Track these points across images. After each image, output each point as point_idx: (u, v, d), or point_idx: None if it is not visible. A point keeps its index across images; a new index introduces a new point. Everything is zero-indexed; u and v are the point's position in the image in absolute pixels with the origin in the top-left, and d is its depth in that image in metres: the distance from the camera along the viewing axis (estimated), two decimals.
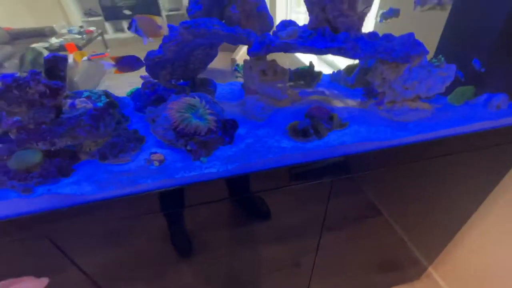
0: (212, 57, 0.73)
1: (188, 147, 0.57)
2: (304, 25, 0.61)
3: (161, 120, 0.59)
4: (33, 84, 0.46)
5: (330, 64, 2.46)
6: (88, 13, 6.40)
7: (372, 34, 0.55)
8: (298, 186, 0.63)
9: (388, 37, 0.55)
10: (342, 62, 2.05)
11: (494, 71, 0.66)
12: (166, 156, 0.58)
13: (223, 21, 0.60)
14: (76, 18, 6.17)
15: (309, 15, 0.55)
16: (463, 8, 0.68)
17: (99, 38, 5.06)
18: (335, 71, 0.81)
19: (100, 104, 0.54)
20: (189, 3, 0.59)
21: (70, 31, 4.49)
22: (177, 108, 0.55)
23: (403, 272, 1.27)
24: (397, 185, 0.78)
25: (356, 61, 0.80)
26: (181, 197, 0.57)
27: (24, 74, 0.47)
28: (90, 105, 0.53)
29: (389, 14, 0.73)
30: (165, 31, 0.58)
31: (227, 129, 0.61)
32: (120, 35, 6.55)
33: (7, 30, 4.61)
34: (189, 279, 0.83)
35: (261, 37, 0.57)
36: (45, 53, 3.05)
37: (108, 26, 6.51)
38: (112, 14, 6.33)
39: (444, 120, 0.64)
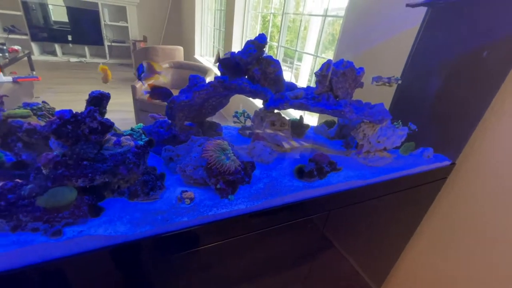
0: (223, 105, 0.82)
1: (218, 186, 0.62)
2: (307, 88, 0.78)
3: (190, 160, 0.63)
4: (89, 120, 0.46)
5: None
6: (8, 29, 5.64)
7: (359, 102, 0.75)
8: (303, 219, 0.74)
9: (368, 104, 0.76)
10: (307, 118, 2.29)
11: (425, 131, 0.95)
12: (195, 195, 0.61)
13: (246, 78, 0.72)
14: None
15: (316, 83, 0.72)
16: (405, 86, 0.98)
17: (25, 58, 4.45)
18: (319, 125, 1.01)
19: (141, 142, 0.56)
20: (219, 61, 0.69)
21: None
22: (212, 149, 0.61)
23: None
24: (359, 219, 0.96)
25: (331, 118, 1.01)
26: (213, 233, 0.59)
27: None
28: (132, 143, 0.54)
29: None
30: (162, 77, 0.64)
31: (247, 170, 0.69)
32: (48, 58, 5.90)
33: None
34: None
35: (279, 95, 0.71)
36: None
37: (34, 46, 5.83)
38: (40, 36, 5.73)
39: (399, 165, 0.88)
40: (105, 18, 6.03)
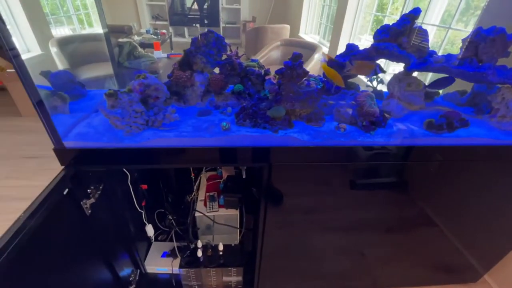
0: None
1: (364, 123, 0.86)
2: (448, 55, 0.90)
3: (344, 104, 0.89)
4: (299, 68, 0.77)
5: None
6: (155, 17, 7.16)
7: (504, 66, 0.82)
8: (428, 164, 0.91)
9: None
10: None
11: None
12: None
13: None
14: (146, 21, 6.91)
15: (461, 49, 0.84)
16: None
17: (168, 40, 5.67)
18: (449, 92, 1.09)
19: (319, 86, 0.85)
20: (377, 32, 0.90)
21: (148, 31, 5.11)
22: (365, 96, 0.85)
23: (460, 274, 1.45)
24: (483, 182, 1.01)
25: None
26: (356, 153, 0.85)
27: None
28: (315, 86, 0.84)
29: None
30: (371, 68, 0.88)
31: (385, 117, 0.90)
32: (179, 39, 7.26)
33: None
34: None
35: (421, 60, 0.87)
36: (138, 47, 3.58)
37: (171, 30, 7.23)
38: (176, 21, 7.06)
39: None
40: (223, 1, 6.87)
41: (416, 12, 0.83)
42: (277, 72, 0.80)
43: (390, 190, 1.02)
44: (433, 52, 0.94)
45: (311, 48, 3.55)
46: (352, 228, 1.14)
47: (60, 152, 0.76)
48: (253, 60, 0.94)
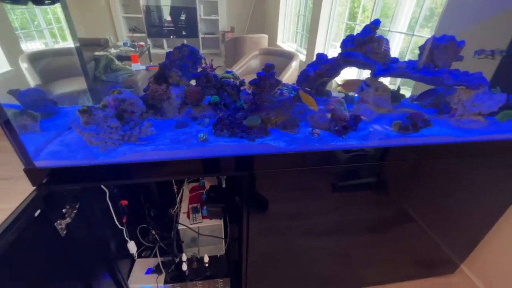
0: (336, 75, 1.09)
1: (336, 128, 0.90)
2: (409, 61, 0.97)
3: (318, 111, 0.93)
4: (271, 79, 0.81)
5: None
6: (132, 29, 7.08)
7: (456, 70, 0.90)
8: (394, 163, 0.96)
9: (466, 72, 0.90)
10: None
11: None
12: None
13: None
14: (123, 33, 6.82)
15: (419, 55, 0.91)
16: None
17: (146, 52, 5.62)
18: (413, 95, 1.17)
19: (292, 95, 0.89)
20: (343, 41, 0.96)
21: (125, 44, 5.05)
22: (336, 102, 0.89)
23: (438, 266, 1.52)
24: (444, 180, 1.08)
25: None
26: (332, 157, 0.89)
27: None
28: (287, 94, 0.88)
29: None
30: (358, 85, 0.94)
31: (356, 120, 0.95)
32: (159, 51, 7.20)
33: None
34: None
35: (385, 66, 0.93)
36: (115, 60, 3.52)
37: (150, 42, 7.16)
38: (154, 32, 7.02)
39: (494, 130, 0.98)
40: (201, 13, 6.93)
41: (376, 23, 0.89)
42: (250, 82, 0.83)
43: (369, 190, 1.06)
44: (396, 59, 1.01)
45: (289, 57, 3.66)
46: (336, 231, 1.17)
47: (31, 172, 0.74)
48: (228, 72, 0.96)
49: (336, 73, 1.04)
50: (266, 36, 4.91)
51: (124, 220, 1.25)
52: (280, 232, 1.11)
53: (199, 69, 0.97)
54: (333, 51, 3.42)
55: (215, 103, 0.92)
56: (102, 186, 1.03)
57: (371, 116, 1.02)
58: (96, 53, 4.32)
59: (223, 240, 1.31)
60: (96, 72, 3.29)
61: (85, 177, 0.79)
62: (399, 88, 1.13)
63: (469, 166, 1.06)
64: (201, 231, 1.25)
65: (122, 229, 1.23)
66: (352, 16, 3.21)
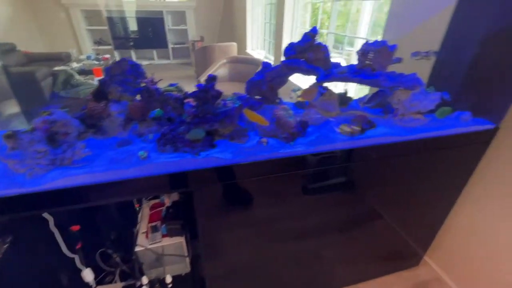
0: (283, 83, 1.10)
1: (284, 135, 0.91)
2: (350, 65, 1.00)
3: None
4: (212, 90, 0.79)
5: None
6: (98, 42, 6.84)
7: (393, 73, 0.94)
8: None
9: (402, 74, 0.95)
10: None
11: (464, 97, 1.07)
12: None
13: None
14: (87, 46, 6.57)
15: (358, 60, 0.94)
16: (445, 59, 1.12)
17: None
18: (361, 96, 1.21)
19: (236, 105, 0.88)
20: (285, 50, 0.97)
21: (88, 57, 4.86)
22: (281, 110, 0.90)
23: (403, 260, 1.57)
24: (396, 177, 1.13)
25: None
26: (279, 166, 0.89)
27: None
28: (231, 105, 0.87)
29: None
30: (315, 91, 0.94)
31: (303, 126, 0.96)
32: None
33: (26, 53, 4.88)
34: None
35: (327, 71, 0.96)
36: (76, 75, 3.36)
37: (116, 54, 6.94)
38: (120, 45, 6.82)
39: (435, 126, 1.03)
40: (169, 23, 6.86)
41: (313, 31, 0.91)
42: (190, 95, 0.81)
43: (326, 194, 1.07)
44: (338, 64, 1.04)
45: (256, 64, 3.70)
46: (299, 236, 1.17)
47: None
48: (172, 85, 0.94)
49: (283, 80, 1.06)
50: (235, 44, 4.94)
51: (78, 247, 1.16)
52: (243, 242, 1.09)
53: (143, 84, 0.94)
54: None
55: (158, 117, 0.89)
56: (44, 214, 0.95)
57: (320, 120, 1.04)
58: (56, 68, 4.11)
59: (187, 258, 1.26)
60: (54, 88, 3.12)
61: (11, 207, 0.72)
62: (346, 92, 1.17)
63: (419, 160, 1.11)
64: (161, 250, 1.20)
65: (74, 257, 1.14)
66: (313, 23, 3.32)
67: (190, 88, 0.89)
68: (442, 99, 1.00)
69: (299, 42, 0.94)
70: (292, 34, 3.58)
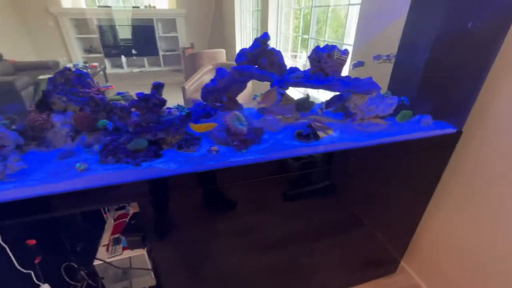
0: (242, 89, 1.08)
1: (235, 143, 0.88)
2: (306, 71, 0.98)
3: (217, 126, 0.91)
4: (153, 98, 0.77)
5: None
6: (88, 50, 6.84)
7: (347, 77, 0.92)
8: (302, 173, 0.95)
9: (357, 79, 0.93)
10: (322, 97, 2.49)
11: (424, 101, 1.06)
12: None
13: (256, 67, 0.96)
14: (77, 54, 6.56)
15: (310, 65, 0.92)
16: (402, 63, 1.10)
17: (101, 72, 5.42)
18: (323, 101, 1.19)
19: (183, 113, 0.85)
20: (237, 55, 0.95)
21: (76, 66, 4.84)
22: (230, 117, 0.87)
23: (381, 266, 1.53)
24: (364, 182, 1.10)
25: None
26: (230, 175, 0.86)
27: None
28: (177, 113, 0.84)
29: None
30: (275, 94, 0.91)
31: (257, 133, 0.93)
32: (118, 71, 6.99)
33: (12, 62, 4.86)
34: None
35: (281, 77, 0.94)
36: None
37: (107, 62, 6.94)
38: (111, 52, 6.82)
39: (395, 131, 1.01)
40: (159, 31, 6.88)
41: (264, 36, 0.90)
42: (131, 104, 0.79)
43: (292, 201, 1.04)
44: (296, 69, 1.02)
45: None
46: (266, 247, 1.14)
47: None
48: (119, 93, 0.91)
49: (240, 87, 1.04)
50: (223, 50, 4.95)
51: (37, 261, 1.12)
52: (199, 255, 1.05)
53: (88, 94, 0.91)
54: (293, 62, 3.50)
55: (104, 127, 0.87)
56: None
57: (277, 126, 1.01)
58: (41, 77, 4.08)
59: (151, 271, 1.22)
60: (35, 97, 3.08)
61: None
62: (308, 96, 1.15)
63: (386, 165, 1.08)
64: (122, 264, 1.15)
65: (30, 273, 1.10)
66: (298, 30, 3.32)
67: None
68: (402, 103, 0.98)
69: (250, 48, 0.92)
70: (277, 40, 3.59)
